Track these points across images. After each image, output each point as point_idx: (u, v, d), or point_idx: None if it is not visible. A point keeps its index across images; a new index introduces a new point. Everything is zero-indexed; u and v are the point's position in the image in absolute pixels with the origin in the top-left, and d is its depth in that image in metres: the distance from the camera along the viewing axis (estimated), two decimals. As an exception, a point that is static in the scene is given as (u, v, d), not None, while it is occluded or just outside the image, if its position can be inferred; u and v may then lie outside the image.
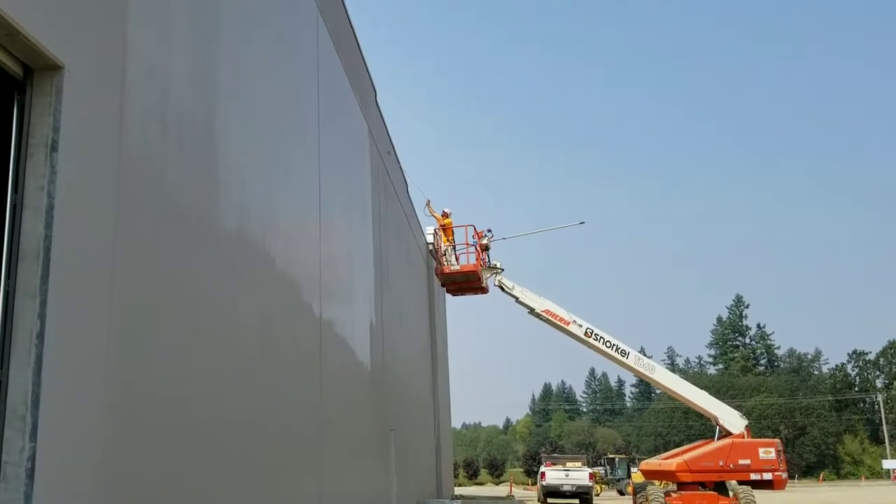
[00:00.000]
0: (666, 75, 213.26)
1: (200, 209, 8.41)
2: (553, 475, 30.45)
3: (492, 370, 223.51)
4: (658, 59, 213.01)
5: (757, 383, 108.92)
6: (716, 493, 19.88)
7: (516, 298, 20.21)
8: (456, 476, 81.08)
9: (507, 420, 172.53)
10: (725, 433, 21.02)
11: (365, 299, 18.38)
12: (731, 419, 21.23)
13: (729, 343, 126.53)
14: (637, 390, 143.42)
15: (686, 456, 20.36)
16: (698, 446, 21.40)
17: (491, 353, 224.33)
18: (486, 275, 19.89)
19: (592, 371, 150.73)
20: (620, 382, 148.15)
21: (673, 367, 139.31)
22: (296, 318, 12.25)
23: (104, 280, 6.31)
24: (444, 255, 19.03)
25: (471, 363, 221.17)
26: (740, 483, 19.66)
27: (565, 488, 30.19)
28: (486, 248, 20.14)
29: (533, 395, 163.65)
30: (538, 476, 33.19)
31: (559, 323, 20.42)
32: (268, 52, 11.38)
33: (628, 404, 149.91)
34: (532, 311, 20.26)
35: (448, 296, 37.76)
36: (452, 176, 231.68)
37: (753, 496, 19.19)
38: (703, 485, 20.41)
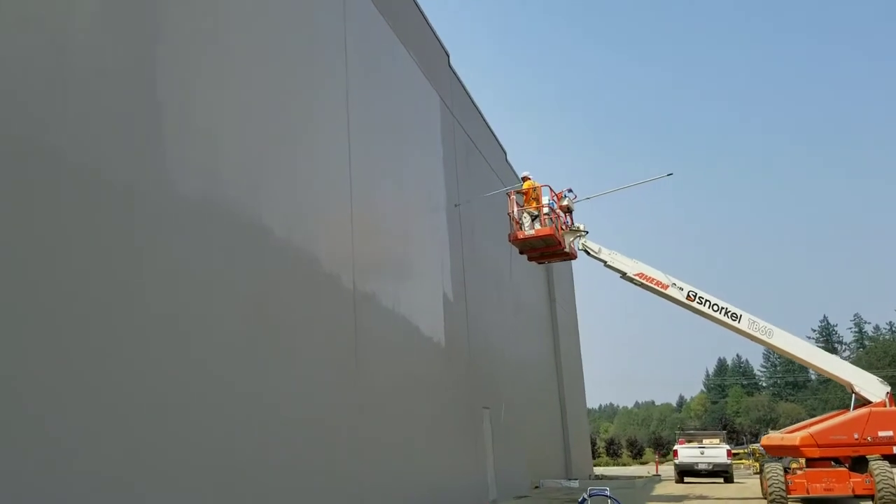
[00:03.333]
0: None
1: (136, 172, 7.76)
2: (686, 453, 28.21)
3: (663, 347, 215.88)
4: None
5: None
6: (847, 469, 17.30)
7: (605, 262, 18.52)
8: (619, 455, 78.69)
9: (681, 397, 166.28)
10: (863, 402, 18.33)
11: (434, 271, 17.46)
12: (870, 386, 18.39)
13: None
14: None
15: (813, 428, 17.88)
16: (831, 417, 18.80)
17: (660, 329, 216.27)
18: (568, 238, 18.32)
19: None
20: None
21: (861, 334, 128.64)
22: (311, 296, 11.47)
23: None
24: (521, 220, 17.69)
25: (640, 340, 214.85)
26: (883, 458, 17.01)
27: (700, 467, 27.90)
28: (568, 210, 18.55)
29: (707, 371, 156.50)
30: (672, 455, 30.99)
31: (657, 287, 18.50)
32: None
33: (812, 377, 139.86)
34: (624, 275, 18.53)
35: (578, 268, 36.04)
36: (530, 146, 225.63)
37: (891, 473, 16.50)
38: (837, 461, 17.92)
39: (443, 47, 20.58)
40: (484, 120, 24.82)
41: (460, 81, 22.10)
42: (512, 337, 24.58)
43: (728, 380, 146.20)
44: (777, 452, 18.66)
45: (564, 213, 18.52)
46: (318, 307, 11.61)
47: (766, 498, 18.60)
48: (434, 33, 19.88)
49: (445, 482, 16.49)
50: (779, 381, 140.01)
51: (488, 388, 20.73)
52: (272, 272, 10.36)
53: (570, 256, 18.72)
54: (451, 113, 20.51)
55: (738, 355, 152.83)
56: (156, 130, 8.27)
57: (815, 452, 17.31)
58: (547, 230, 17.36)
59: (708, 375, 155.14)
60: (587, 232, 18.55)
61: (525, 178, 18.13)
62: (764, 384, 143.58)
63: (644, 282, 18.32)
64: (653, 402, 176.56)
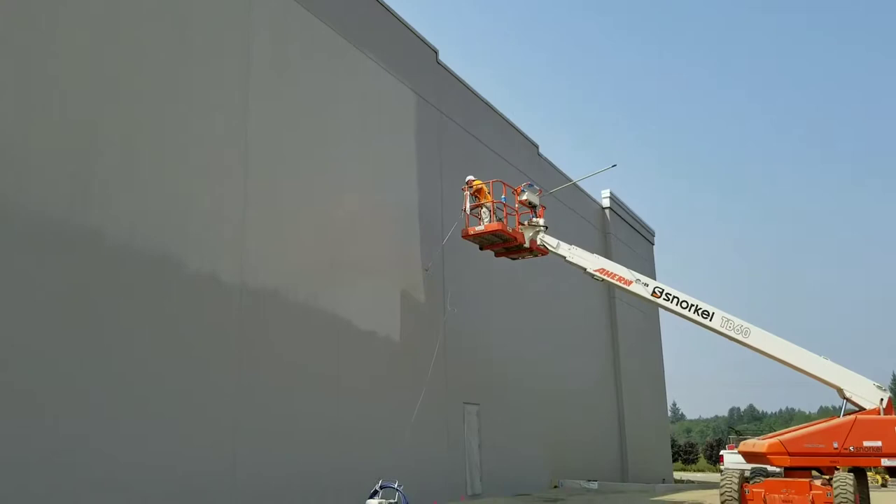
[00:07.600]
0: None
1: None
2: (732, 459, 26.43)
3: (844, 347, 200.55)
4: None
5: None
6: (809, 481, 15.67)
7: (564, 258, 18.01)
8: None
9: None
10: (857, 409, 16.57)
11: (387, 268, 17.79)
12: (862, 390, 16.49)
13: None
14: None
15: (785, 435, 16.42)
16: (816, 423, 17.10)
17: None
18: (528, 234, 18.02)
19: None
20: None
21: None
22: (174, 297, 12.31)
23: None
24: (482, 215, 17.73)
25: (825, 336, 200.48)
26: (869, 470, 15.36)
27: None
28: (531, 206, 18.25)
29: (894, 374, 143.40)
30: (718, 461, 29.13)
31: (620, 283, 17.68)
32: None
33: None
34: (585, 271, 17.91)
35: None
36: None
37: (848, 485, 14.77)
38: (820, 471, 16.34)
39: (427, 45, 20.81)
40: (500, 115, 24.68)
41: (457, 78, 22.18)
42: (526, 334, 24.29)
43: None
44: (751, 460, 17.36)
45: (528, 207, 18.27)
46: (185, 308, 12.41)
47: None
48: (413, 32, 20.19)
49: (402, 476, 16.83)
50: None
51: (475, 384, 20.75)
52: (115, 272, 11.29)
53: (539, 252, 18.40)
54: (437, 110, 20.69)
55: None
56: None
57: (785, 461, 15.93)
58: (495, 225, 17.23)
59: (895, 378, 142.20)
60: (546, 227, 18.19)
61: (470, 182, 18.06)
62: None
63: (606, 278, 17.65)
64: (832, 407, 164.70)
